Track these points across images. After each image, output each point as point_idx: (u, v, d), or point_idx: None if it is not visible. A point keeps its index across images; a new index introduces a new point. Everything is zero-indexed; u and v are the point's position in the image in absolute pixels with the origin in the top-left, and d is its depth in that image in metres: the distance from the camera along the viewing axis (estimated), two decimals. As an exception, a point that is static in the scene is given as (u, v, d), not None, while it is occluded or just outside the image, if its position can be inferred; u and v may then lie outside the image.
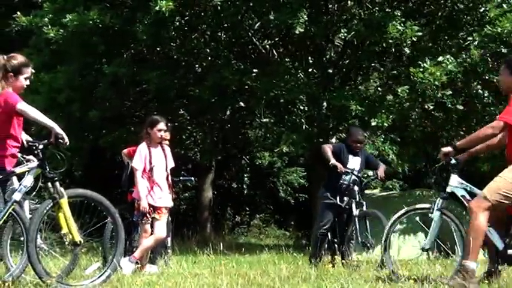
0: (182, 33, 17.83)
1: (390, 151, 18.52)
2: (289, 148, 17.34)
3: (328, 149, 10.38)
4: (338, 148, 10.58)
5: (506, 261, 6.78)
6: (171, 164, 9.27)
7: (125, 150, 10.07)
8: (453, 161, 7.02)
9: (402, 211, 7.26)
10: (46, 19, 17.28)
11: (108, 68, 16.95)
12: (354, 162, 10.38)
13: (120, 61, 17.21)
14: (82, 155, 19.58)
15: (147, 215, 8.87)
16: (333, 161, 10.08)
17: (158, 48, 18.34)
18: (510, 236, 6.62)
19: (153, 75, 16.80)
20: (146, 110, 18.77)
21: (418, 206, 7.42)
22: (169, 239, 10.02)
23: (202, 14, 17.46)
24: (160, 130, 9.14)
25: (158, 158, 9.13)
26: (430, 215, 7.03)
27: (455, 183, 6.99)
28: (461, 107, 15.59)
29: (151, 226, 8.92)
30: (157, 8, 15.22)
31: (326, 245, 10.35)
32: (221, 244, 11.90)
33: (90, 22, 16.48)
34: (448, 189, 7.03)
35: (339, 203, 10.17)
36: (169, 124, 9.49)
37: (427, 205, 7.29)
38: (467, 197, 6.89)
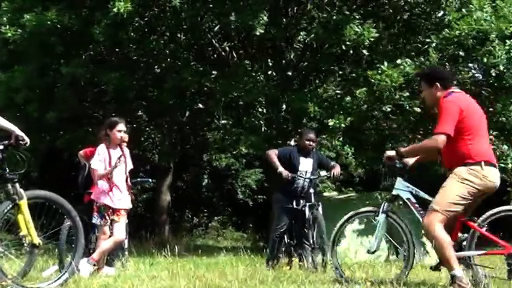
0: (141, 35, 17.74)
1: (349, 151, 18.59)
2: (248, 150, 17.35)
3: (273, 155, 10.25)
4: (286, 152, 10.51)
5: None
6: (130, 165, 9.21)
7: (82, 152, 9.99)
8: (398, 165, 7.14)
9: (347, 216, 7.33)
10: (4, 18, 17.11)
11: (66, 68, 16.80)
12: (306, 164, 10.34)
13: (78, 62, 17.06)
14: (38, 155, 19.39)
15: (106, 216, 8.81)
16: (280, 168, 10.02)
17: (117, 50, 18.22)
18: (456, 242, 6.70)
19: (112, 77, 16.69)
20: (104, 111, 18.65)
21: (362, 209, 7.47)
22: (126, 241, 9.96)
23: (162, 15, 17.40)
24: (119, 131, 9.06)
25: (117, 159, 9.06)
26: (376, 217, 7.12)
27: (401, 186, 7.13)
28: (418, 109, 15.72)
29: (110, 228, 8.86)
30: (115, 10, 15.13)
31: (283, 248, 10.34)
32: (179, 246, 11.88)
33: (49, 22, 16.35)
34: (394, 192, 7.17)
35: (295, 206, 10.16)
36: (128, 125, 9.43)
37: (372, 208, 7.37)
38: (413, 199, 7.04)
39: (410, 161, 7.23)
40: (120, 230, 8.92)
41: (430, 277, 7.41)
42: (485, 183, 6.57)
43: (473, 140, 6.64)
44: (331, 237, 7.32)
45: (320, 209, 10.01)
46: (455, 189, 6.56)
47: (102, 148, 9.02)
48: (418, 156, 7.27)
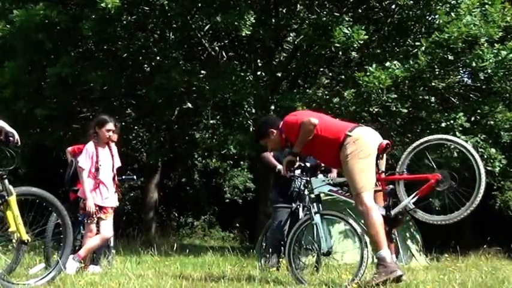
0: (130, 32, 17.72)
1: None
2: (237, 149, 17.35)
3: (269, 155, 10.28)
4: (282, 155, 10.48)
5: (394, 225, 6.97)
6: (118, 163, 9.19)
7: (70, 148, 9.97)
8: (306, 165, 7.62)
9: (305, 218, 7.42)
10: (-7, 14, 17.09)
11: (52, 69, 16.73)
12: (311, 161, 10.30)
13: (66, 60, 17.00)
14: (26, 152, 19.34)
15: (93, 214, 8.79)
16: (279, 166, 10.01)
17: (105, 47, 18.19)
18: (388, 195, 6.90)
19: (99, 75, 16.66)
20: (93, 109, 18.62)
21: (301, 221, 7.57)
22: (112, 239, 9.94)
23: (151, 13, 17.39)
24: (108, 130, 9.04)
25: (105, 157, 9.04)
26: (312, 221, 7.17)
27: (318, 183, 7.37)
28: (405, 110, 15.76)
29: (97, 226, 8.85)
30: (103, 5, 15.11)
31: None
32: (165, 245, 11.86)
33: (37, 18, 16.29)
34: (316, 192, 7.34)
35: (291, 205, 10.14)
36: (117, 124, 9.40)
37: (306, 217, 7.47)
38: (334, 189, 7.31)
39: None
40: (107, 228, 8.90)
41: (416, 279, 7.43)
42: (362, 142, 6.78)
43: (328, 127, 7.03)
44: (288, 241, 7.35)
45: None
46: (352, 168, 6.75)
47: (90, 146, 9.00)
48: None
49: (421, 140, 6.94)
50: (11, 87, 17.33)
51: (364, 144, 6.78)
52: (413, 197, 6.77)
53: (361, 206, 6.71)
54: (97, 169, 8.92)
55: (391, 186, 6.86)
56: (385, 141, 6.91)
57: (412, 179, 6.85)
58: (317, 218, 7.17)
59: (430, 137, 6.99)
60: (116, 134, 9.28)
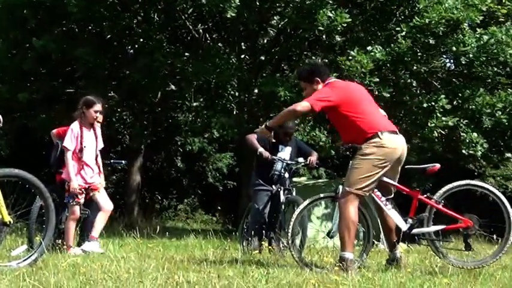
0: (114, 13, 17.63)
1: (322, 136, 18.58)
2: (220, 132, 17.34)
3: (252, 137, 10.25)
4: (263, 139, 10.46)
5: (410, 241, 7.12)
6: (101, 145, 9.21)
7: (54, 131, 9.94)
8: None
9: (308, 200, 7.36)
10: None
11: (37, 41, 16.65)
12: (284, 152, 10.31)
13: (50, 37, 16.91)
14: (10, 134, 19.30)
15: (77, 196, 8.81)
16: (260, 149, 10.00)
17: (89, 27, 18.12)
18: (414, 219, 6.88)
19: (83, 51, 16.59)
20: (76, 90, 18.56)
21: (321, 195, 7.52)
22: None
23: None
24: (96, 111, 9.08)
25: (89, 138, 9.06)
26: (335, 202, 7.18)
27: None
28: (387, 94, 15.80)
29: (81, 209, 8.89)
30: None
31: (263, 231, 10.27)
32: (148, 228, 11.87)
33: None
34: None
35: (271, 188, 10.14)
36: (105, 106, 9.43)
37: (329, 194, 7.44)
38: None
39: None
40: (105, 201, 8.99)
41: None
42: (385, 151, 6.76)
43: (364, 115, 6.89)
44: (290, 224, 7.31)
45: (294, 193, 10.01)
46: (360, 167, 6.77)
47: (75, 126, 9.01)
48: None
49: (473, 182, 7.06)
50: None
51: (386, 153, 6.77)
52: (438, 229, 6.87)
53: (344, 203, 6.76)
54: (81, 150, 8.94)
55: (426, 214, 6.86)
56: (438, 166, 6.93)
57: (446, 213, 6.83)
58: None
59: (478, 182, 7.05)
60: (101, 115, 9.29)
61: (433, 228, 6.86)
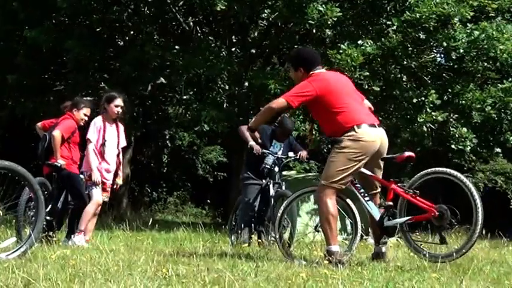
0: (104, 5, 17.58)
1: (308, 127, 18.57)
2: (210, 126, 17.32)
3: (244, 130, 10.22)
4: (259, 129, 10.42)
5: (384, 233, 6.97)
6: (123, 142, 9.34)
7: (39, 124, 9.94)
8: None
9: (297, 193, 7.36)
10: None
11: (30, 32, 16.59)
12: (276, 147, 10.30)
13: (41, 29, 16.86)
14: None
15: (99, 183, 8.98)
16: (251, 142, 10.00)
17: (79, 20, 18.06)
18: (386, 208, 6.87)
19: (72, 43, 16.53)
20: (66, 82, 18.51)
21: (309, 188, 7.49)
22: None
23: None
24: (117, 106, 9.18)
25: (111, 134, 9.19)
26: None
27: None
28: (377, 88, 15.80)
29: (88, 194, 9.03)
30: None
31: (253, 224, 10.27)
32: (138, 220, 11.87)
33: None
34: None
35: (261, 181, 10.14)
36: (126, 101, 9.54)
37: (315, 187, 7.42)
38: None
39: None
40: (96, 194, 9.06)
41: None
42: (361, 144, 6.70)
43: (342, 109, 6.83)
44: (277, 217, 7.31)
45: (283, 187, 10.02)
46: (336, 160, 6.72)
47: (98, 120, 9.16)
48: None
49: (440, 169, 6.88)
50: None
51: (362, 146, 6.70)
52: (408, 220, 6.83)
53: (321, 197, 6.74)
54: (103, 144, 9.02)
55: (390, 203, 6.82)
56: (408, 154, 6.92)
57: (415, 203, 6.76)
58: None
59: (449, 170, 6.94)
60: (122, 110, 9.39)
61: (402, 219, 6.82)
